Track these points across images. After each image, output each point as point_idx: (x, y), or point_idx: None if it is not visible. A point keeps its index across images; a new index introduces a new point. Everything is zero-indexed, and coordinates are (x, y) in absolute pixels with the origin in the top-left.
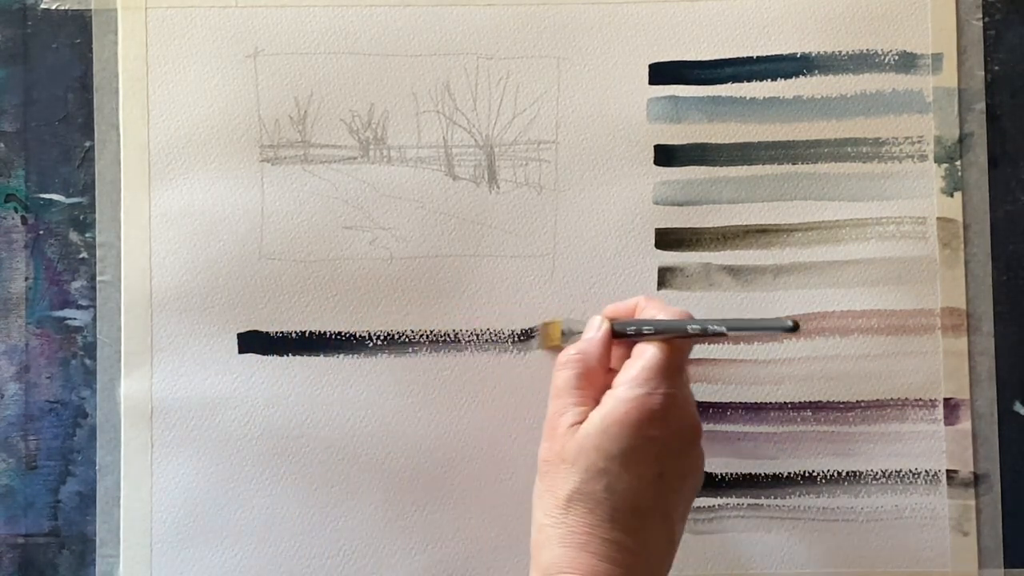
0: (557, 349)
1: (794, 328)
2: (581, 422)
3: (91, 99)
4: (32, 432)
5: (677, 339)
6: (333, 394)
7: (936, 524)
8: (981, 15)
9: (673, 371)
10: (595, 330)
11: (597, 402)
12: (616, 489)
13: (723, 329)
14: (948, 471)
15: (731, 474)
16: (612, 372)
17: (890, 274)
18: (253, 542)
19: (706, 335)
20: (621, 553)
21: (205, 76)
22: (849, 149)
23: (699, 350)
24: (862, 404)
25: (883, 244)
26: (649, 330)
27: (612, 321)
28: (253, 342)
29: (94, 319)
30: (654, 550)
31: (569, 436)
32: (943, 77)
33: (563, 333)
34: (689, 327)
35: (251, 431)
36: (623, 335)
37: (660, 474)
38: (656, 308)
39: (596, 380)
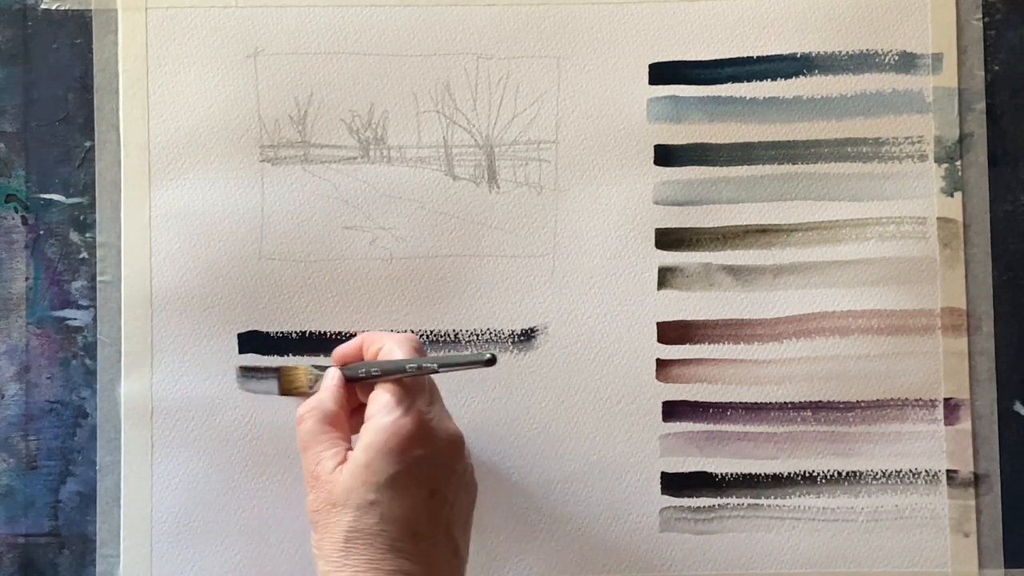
0: (300, 395)
1: (491, 361)
2: (341, 463)
3: (91, 99)
4: (32, 432)
5: (401, 377)
6: None
7: (936, 524)
8: (981, 15)
9: (417, 392)
10: (329, 379)
11: (349, 444)
12: (390, 518)
13: (434, 366)
14: (948, 471)
15: (731, 474)
16: (361, 411)
17: (890, 274)
18: (253, 542)
19: (422, 372)
20: None
21: (205, 76)
22: (849, 149)
23: (700, 350)
24: (862, 404)
25: (883, 244)
26: (376, 371)
27: (342, 367)
28: (253, 342)
29: (94, 319)
30: (441, 570)
31: (334, 479)
32: (943, 77)
33: (311, 380)
34: (407, 366)
35: (251, 431)
36: (356, 379)
37: (431, 493)
38: (379, 340)
39: (340, 423)
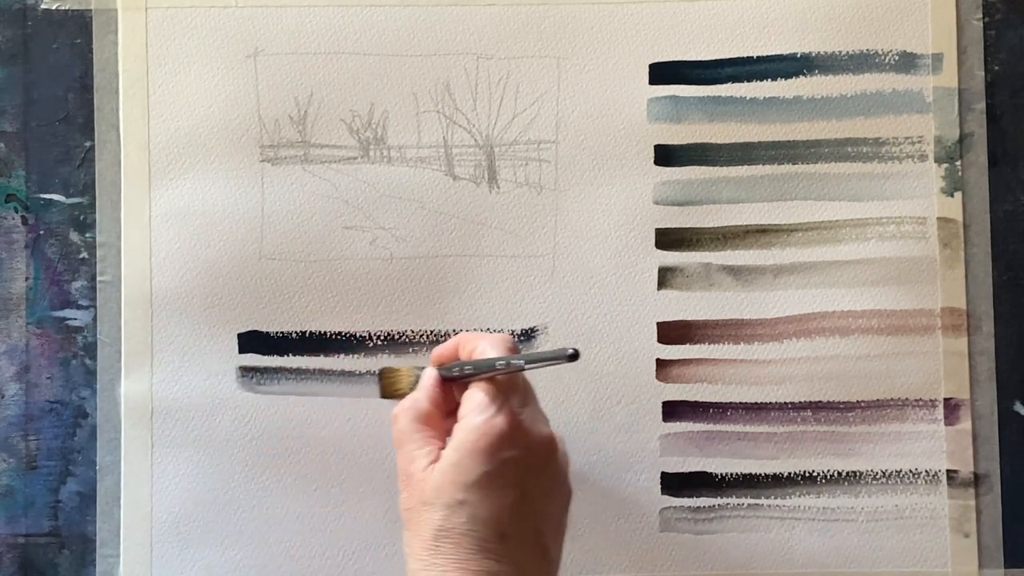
0: (398, 397)
1: (574, 356)
2: (433, 461)
3: (91, 99)
4: (32, 432)
5: (494, 375)
6: (333, 394)
7: (936, 524)
8: (981, 15)
9: (510, 391)
10: (425, 379)
11: (443, 443)
12: (479, 518)
13: (521, 363)
14: (948, 471)
15: (731, 474)
16: (455, 412)
17: (890, 274)
18: (253, 542)
19: (510, 369)
20: None
21: (205, 76)
22: (849, 149)
23: (700, 350)
24: (862, 404)
25: (883, 244)
26: (469, 369)
27: (439, 367)
28: (253, 342)
29: (94, 319)
30: (531, 572)
31: (426, 478)
32: (943, 77)
33: (412, 382)
34: (496, 364)
35: (251, 431)
36: (451, 378)
37: (521, 495)
38: (474, 341)
39: (435, 423)
